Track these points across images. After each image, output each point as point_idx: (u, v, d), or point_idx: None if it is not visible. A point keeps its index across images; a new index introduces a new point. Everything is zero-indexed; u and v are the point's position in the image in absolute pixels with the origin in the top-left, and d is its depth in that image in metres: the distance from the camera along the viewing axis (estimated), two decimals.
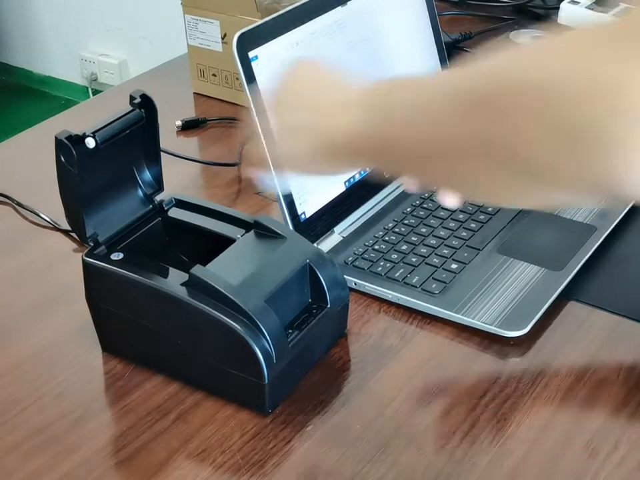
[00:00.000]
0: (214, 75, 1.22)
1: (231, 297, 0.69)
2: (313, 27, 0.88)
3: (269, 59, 0.83)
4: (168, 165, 1.06)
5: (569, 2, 1.37)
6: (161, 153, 1.05)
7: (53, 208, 0.98)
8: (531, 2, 1.48)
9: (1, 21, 3.23)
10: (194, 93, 1.25)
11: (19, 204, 1.00)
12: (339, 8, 0.91)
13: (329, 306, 0.75)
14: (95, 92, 3.03)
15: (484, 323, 0.78)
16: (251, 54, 0.82)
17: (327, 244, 0.89)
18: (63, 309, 0.84)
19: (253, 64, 0.82)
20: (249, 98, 0.82)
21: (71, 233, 0.95)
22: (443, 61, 1.05)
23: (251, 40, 0.82)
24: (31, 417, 0.73)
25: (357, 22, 0.93)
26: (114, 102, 1.31)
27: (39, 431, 0.72)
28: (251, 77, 0.82)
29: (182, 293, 0.70)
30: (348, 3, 0.92)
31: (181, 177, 1.06)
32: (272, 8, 1.15)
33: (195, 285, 0.70)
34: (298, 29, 0.86)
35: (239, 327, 0.68)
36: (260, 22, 0.83)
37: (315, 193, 0.88)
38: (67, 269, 0.90)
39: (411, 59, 1.01)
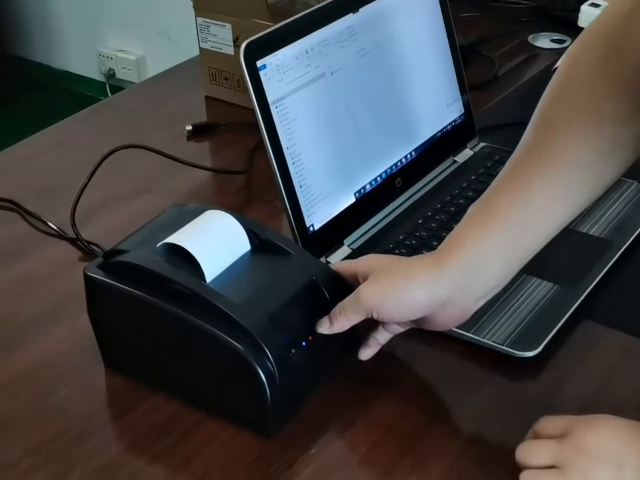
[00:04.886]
0: (226, 78, 1.20)
1: (233, 315, 0.67)
2: (323, 35, 0.86)
3: (277, 67, 0.81)
4: (176, 172, 1.05)
5: (589, 4, 1.34)
6: (169, 160, 1.04)
7: (60, 215, 0.97)
8: (551, 4, 1.45)
9: (21, 16, 3.23)
10: (205, 96, 1.24)
11: (26, 211, 0.99)
12: (350, 15, 0.89)
13: None
14: (112, 88, 3.03)
15: (495, 342, 0.76)
16: (259, 63, 0.80)
17: (336, 256, 0.87)
18: (67, 320, 0.83)
19: (261, 73, 0.80)
20: (256, 108, 0.80)
21: (77, 242, 0.94)
22: (457, 66, 1.03)
23: (259, 48, 0.80)
24: (30, 432, 0.71)
25: (369, 29, 0.91)
26: (128, 104, 1.30)
27: (38, 447, 0.70)
28: (259, 86, 0.80)
29: (183, 310, 0.69)
30: (360, 9, 0.90)
31: (189, 184, 1.04)
32: (285, 11, 1.13)
33: (197, 302, 0.68)
34: (308, 36, 0.84)
35: (240, 347, 0.67)
36: (268, 30, 0.81)
37: (323, 204, 0.86)
38: (72, 278, 0.88)
39: (424, 64, 0.99)
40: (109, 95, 3.00)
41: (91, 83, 3.15)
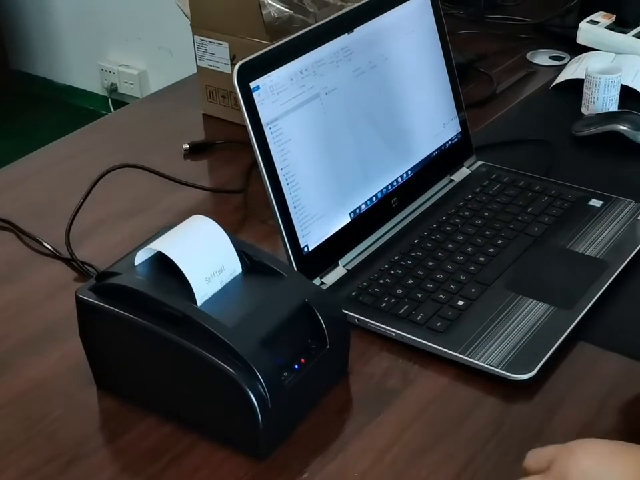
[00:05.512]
0: (223, 96, 1.20)
1: (224, 338, 0.67)
2: (317, 56, 0.85)
3: (271, 89, 0.81)
4: (172, 191, 1.05)
5: (587, 22, 1.34)
6: (164, 180, 1.04)
7: (56, 235, 0.97)
8: (549, 21, 1.45)
9: (23, 30, 3.24)
10: (203, 114, 1.24)
11: (22, 230, 0.99)
12: (345, 35, 0.88)
13: (328, 347, 0.73)
14: (115, 102, 3.04)
15: (489, 365, 0.76)
16: (252, 84, 0.80)
17: (331, 277, 0.86)
18: (60, 342, 0.83)
19: (255, 94, 0.80)
20: (250, 129, 0.80)
21: (72, 262, 0.93)
22: (454, 85, 1.03)
23: (253, 70, 0.80)
24: (21, 458, 0.71)
25: (364, 49, 0.90)
26: (127, 121, 1.30)
27: (30, 471, 0.70)
28: (252, 108, 0.80)
29: (174, 333, 0.68)
30: (355, 29, 0.89)
31: (185, 203, 1.04)
32: (282, 29, 1.13)
33: (188, 325, 0.68)
34: (302, 57, 0.84)
35: (232, 370, 0.66)
36: (262, 51, 0.81)
37: (318, 224, 0.86)
38: (66, 299, 0.87)
39: (420, 84, 0.99)
40: (111, 109, 3.01)
41: (94, 97, 3.15)
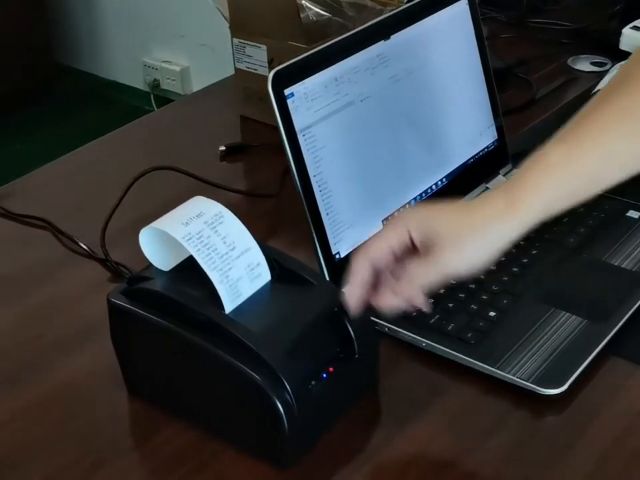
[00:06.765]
0: (260, 98, 1.20)
1: (251, 346, 0.67)
2: (352, 63, 0.85)
3: (305, 96, 0.81)
4: (207, 193, 1.04)
5: (631, 27, 1.32)
6: (198, 182, 1.05)
7: (92, 235, 0.98)
8: (592, 26, 1.43)
9: (69, 26, 3.29)
10: (241, 116, 1.24)
11: (59, 230, 1.00)
12: (382, 42, 0.88)
13: (356, 356, 0.73)
14: (157, 98, 3.06)
15: (520, 378, 0.75)
16: (286, 91, 0.80)
17: None
18: (92, 343, 0.83)
19: (289, 101, 0.80)
20: (283, 136, 0.80)
21: (107, 263, 0.94)
22: (491, 92, 1.02)
23: (287, 77, 0.80)
24: (50, 458, 0.72)
25: (400, 56, 0.90)
26: (166, 122, 1.31)
27: (57, 473, 0.71)
28: (286, 115, 0.80)
29: (202, 339, 0.69)
30: (391, 36, 0.89)
31: None
32: (320, 33, 1.13)
33: (216, 332, 0.68)
34: (337, 64, 0.84)
35: (259, 378, 0.66)
36: (296, 58, 0.81)
37: (350, 232, 0.85)
38: (100, 300, 0.87)
39: (457, 91, 0.98)
40: (153, 104, 3.04)
41: (136, 93, 3.18)
